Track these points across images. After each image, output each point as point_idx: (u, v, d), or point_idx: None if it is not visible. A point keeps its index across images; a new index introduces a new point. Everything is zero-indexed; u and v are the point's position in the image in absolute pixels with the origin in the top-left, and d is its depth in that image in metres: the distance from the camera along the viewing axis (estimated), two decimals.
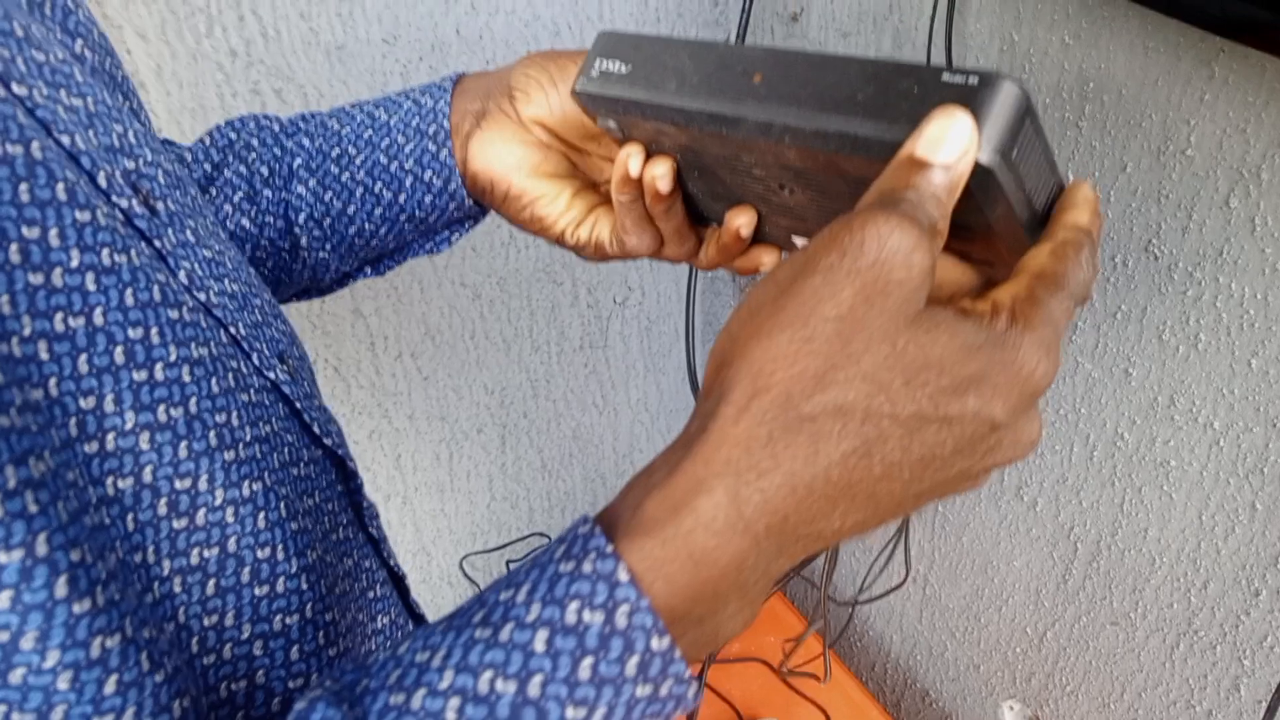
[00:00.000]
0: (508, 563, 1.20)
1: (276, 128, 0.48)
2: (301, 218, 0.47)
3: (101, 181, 0.29)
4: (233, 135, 0.48)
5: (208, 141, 0.48)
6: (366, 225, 0.47)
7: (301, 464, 0.35)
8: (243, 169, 0.47)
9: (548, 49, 0.45)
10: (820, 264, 0.26)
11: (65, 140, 0.28)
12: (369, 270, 0.52)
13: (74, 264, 0.26)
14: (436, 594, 1.18)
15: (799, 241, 0.40)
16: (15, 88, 0.27)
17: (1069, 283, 0.28)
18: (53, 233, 0.26)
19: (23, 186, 0.25)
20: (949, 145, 0.27)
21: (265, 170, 0.47)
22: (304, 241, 0.48)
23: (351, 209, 0.47)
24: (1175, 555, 0.69)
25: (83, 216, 0.27)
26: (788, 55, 0.32)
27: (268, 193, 0.47)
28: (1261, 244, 0.56)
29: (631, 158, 0.40)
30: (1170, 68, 0.56)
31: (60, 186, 0.26)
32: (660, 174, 0.39)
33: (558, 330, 1.05)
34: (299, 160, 0.47)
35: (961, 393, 0.26)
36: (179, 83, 0.72)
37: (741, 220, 0.40)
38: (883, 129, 0.29)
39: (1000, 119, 0.27)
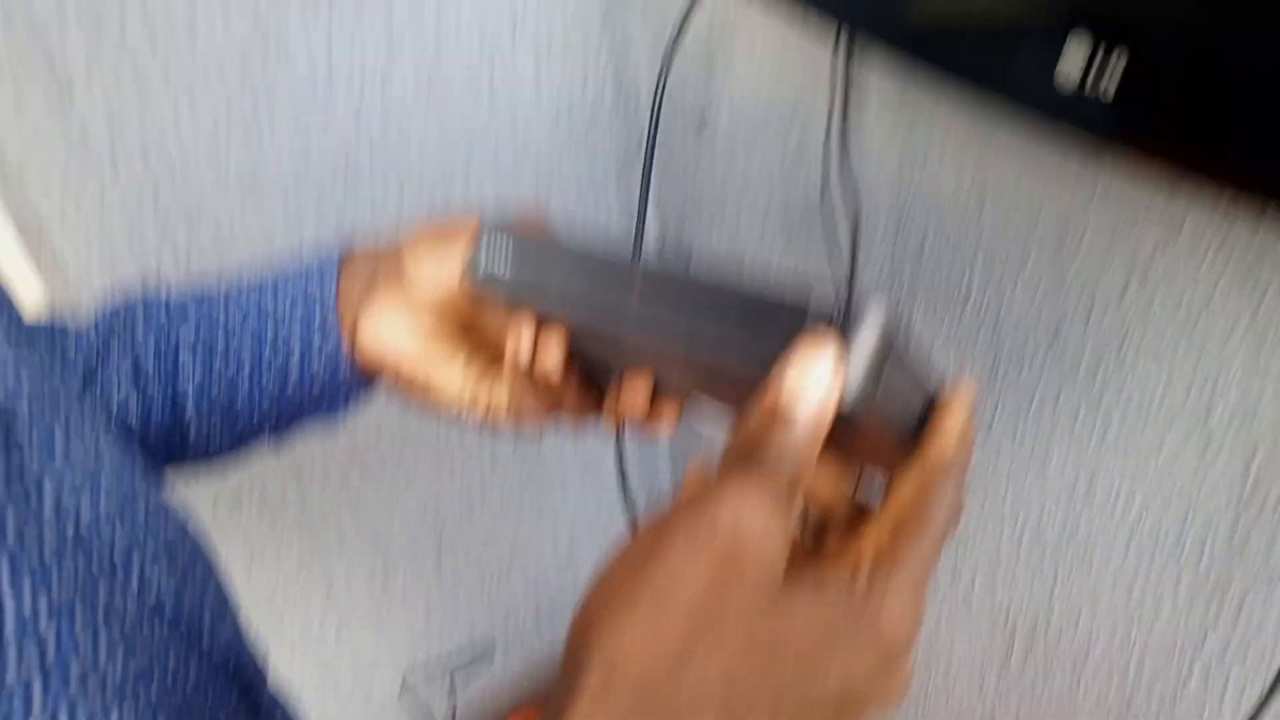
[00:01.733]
0: (452, 672, 1.17)
1: (163, 314, 0.47)
2: (189, 402, 0.46)
3: None
4: (117, 320, 0.47)
5: (92, 328, 0.47)
6: (255, 411, 0.47)
7: (187, 686, 0.33)
8: (129, 354, 0.46)
9: (437, 218, 0.46)
10: (678, 539, 0.26)
11: None
12: (264, 441, 0.50)
13: None
14: (380, 717, 1.14)
15: (699, 396, 0.40)
16: None
17: (932, 525, 0.29)
18: None
19: None
20: (809, 397, 0.27)
21: (152, 348, 0.46)
22: (190, 413, 0.47)
23: (239, 397, 0.46)
24: (1109, 636, 0.70)
25: None
26: (665, 275, 0.33)
27: (152, 377, 0.46)
28: (1161, 333, 0.58)
29: (523, 338, 0.40)
30: (1061, 168, 0.59)
31: None
32: (551, 356, 0.40)
33: (489, 439, 1.04)
34: (184, 349, 0.46)
35: (822, 673, 0.26)
36: (86, 228, 0.71)
37: (637, 391, 0.40)
38: (752, 354, 0.30)
39: (863, 358, 0.28)
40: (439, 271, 0.43)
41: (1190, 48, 0.39)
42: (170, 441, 0.47)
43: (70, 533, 0.30)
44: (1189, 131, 0.41)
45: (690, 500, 0.26)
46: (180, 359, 0.46)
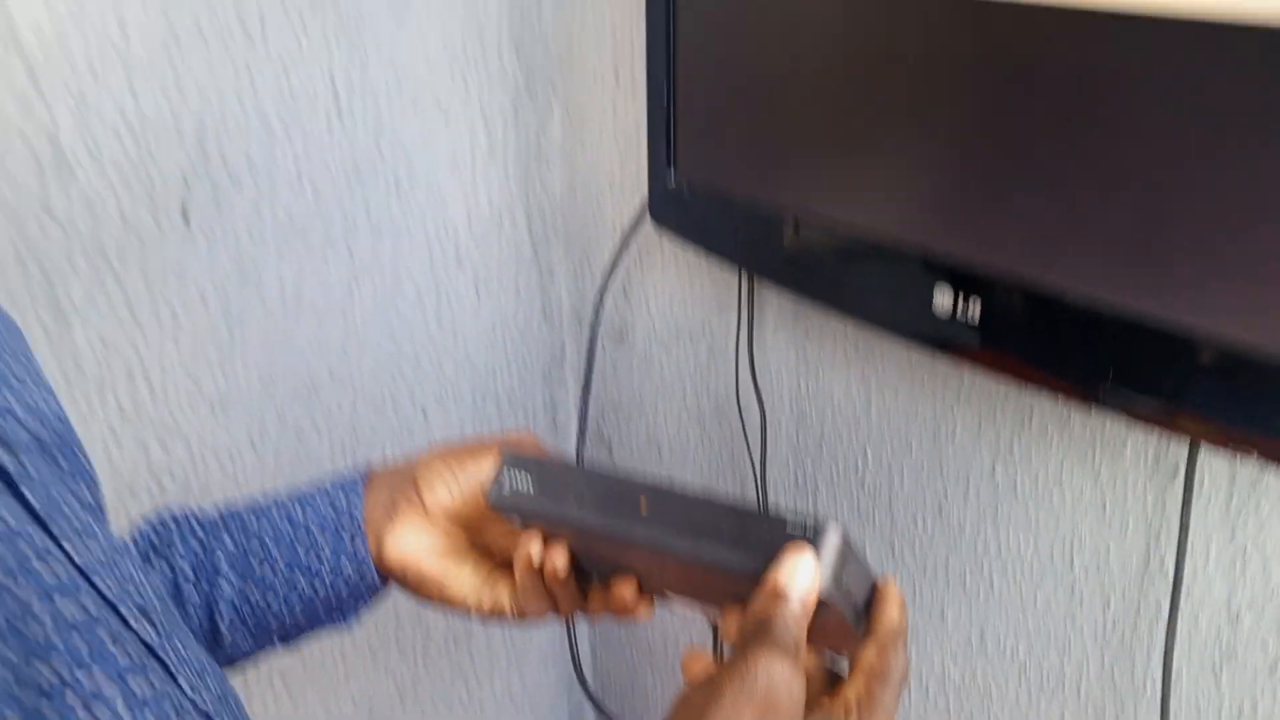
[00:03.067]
0: None
1: (199, 529, 0.54)
2: (225, 609, 0.52)
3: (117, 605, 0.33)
4: (155, 538, 0.53)
5: (132, 541, 0.53)
6: (285, 614, 0.53)
7: None
8: (167, 569, 0.52)
9: (447, 442, 0.55)
10: (725, 696, 0.36)
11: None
12: (278, 645, 0.56)
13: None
14: None
15: (673, 597, 0.51)
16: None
17: (893, 675, 0.42)
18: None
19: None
20: (800, 580, 0.39)
21: (189, 569, 0.52)
22: (224, 630, 0.52)
23: (274, 602, 0.53)
24: None
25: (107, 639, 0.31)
26: (669, 491, 0.44)
27: (191, 590, 0.52)
28: (1024, 504, 0.71)
29: (533, 551, 0.49)
30: (932, 371, 0.73)
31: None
32: (560, 565, 0.49)
33: (422, 631, 1.08)
34: (223, 559, 0.52)
35: None
36: None
37: (627, 591, 0.50)
38: (743, 559, 0.42)
39: (829, 557, 0.41)
40: (450, 492, 0.52)
41: (1024, 297, 0.53)
42: None
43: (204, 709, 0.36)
44: (1031, 350, 0.55)
45: (733, 666, 0.37)
46: (219, 577, 0.52)
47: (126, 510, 0.82)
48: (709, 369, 0.93)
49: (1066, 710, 0.73)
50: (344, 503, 0.53)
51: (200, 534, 0.53)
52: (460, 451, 0.53)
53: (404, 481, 0.53)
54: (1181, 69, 0.44)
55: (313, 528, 0.53)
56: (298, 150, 0.81)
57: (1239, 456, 0.54)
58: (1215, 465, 0.59)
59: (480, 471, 0.52)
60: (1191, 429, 0.50)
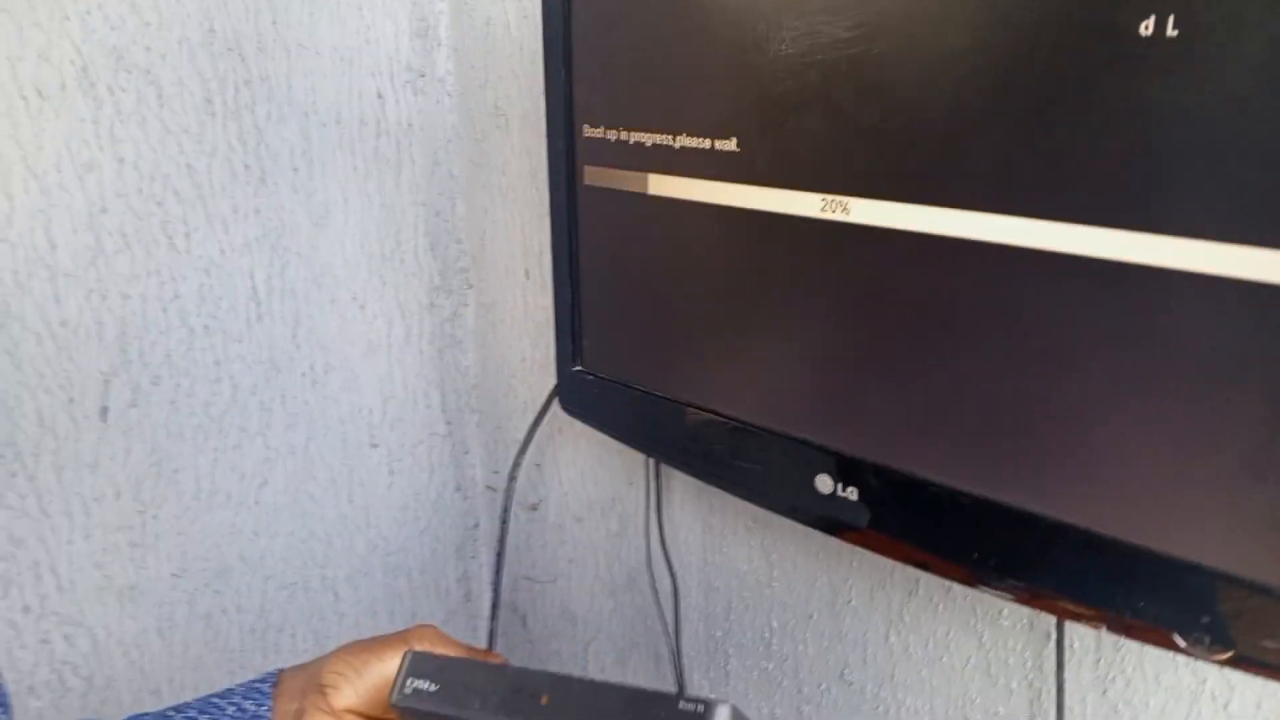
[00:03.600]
0: None
1: None
2: None
3: None
4: None
5: None
6: None
7: None
8: None
9: (352, 642, 0.57)
10: None
11: None
12: None
13: None
14: None
15: None
16: None
17: None
18: None
19: None
20: None
21: None
22: None
23: None
24: None
25: None
26: (568, 681, 0.47)
27: None
28: (918, 668, 0.75)
29: None
30: (827, 544, 0.78)
31: None
32: None
33: None
34: None
35: None
36: None
37: None
38: None
39: None
40: (356, 692, 0.53)
41: (892, 484, 0.59)
42: None
43: None
44: (904, 531, 0.60)
45: None
46: None
47: (26, 709, 0.80)
48: (620, 540, 0.97)
49: None
50: (252, 710, 0.54)
51: None
52: (364, 651, 0.55)
53: (310, 685, 0.54)
54: (1010, 285, 0.51)
55: None
56: (217, 348, 0.84)
57: (1091, 628, 0.60)
58: (1083, 630, 0.65)
59: (384, 670, 0.54)
60: (1047, 606, 0.55)
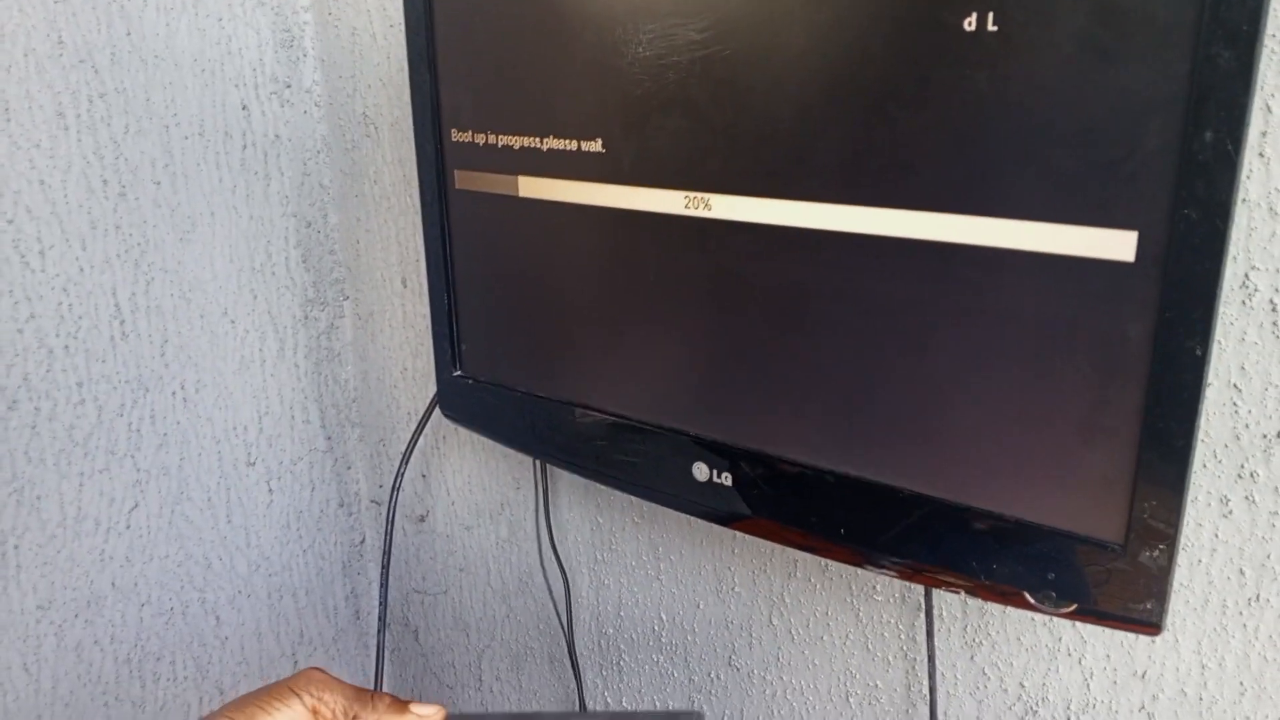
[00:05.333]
0: None
1: None
2: None
3: None
4: None
5: None
6: None
7: None
8: None
9: (241, 697, 0.56)
10: None
11: None
12: None
13: None
14: None
15: None
16: None
17: None
18: None
19: None
20: None
21: None
22: None
23: None
24: None
25: None
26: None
27: None
28: (801, 648, 0.77)
29: None
30: (710, 532, 0.80)
31: None
32: None
33: None
34: None
35: None
36: None
37: None
38: None
39: None
40: None
41: (762, 467, 0.62)
42: None
43: None
44: (776, 512, 0.63)
45: None
46: None
47: None
48: (510, 545, 0.97)
49: None
50: None
51: None
52: (250, 707, 0.54)
53: None
54: (858, 271, 0.54)
55: None
56: (79, 368, 0.81)
57: (951, 592, 0.63)
58: (950, 599, 0.68)
59: (279, 717, 0.53)
60: (912, 575, 0.58)
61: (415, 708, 0.56)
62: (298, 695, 0.53)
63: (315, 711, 0.53)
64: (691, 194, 0.60)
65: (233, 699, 0.55)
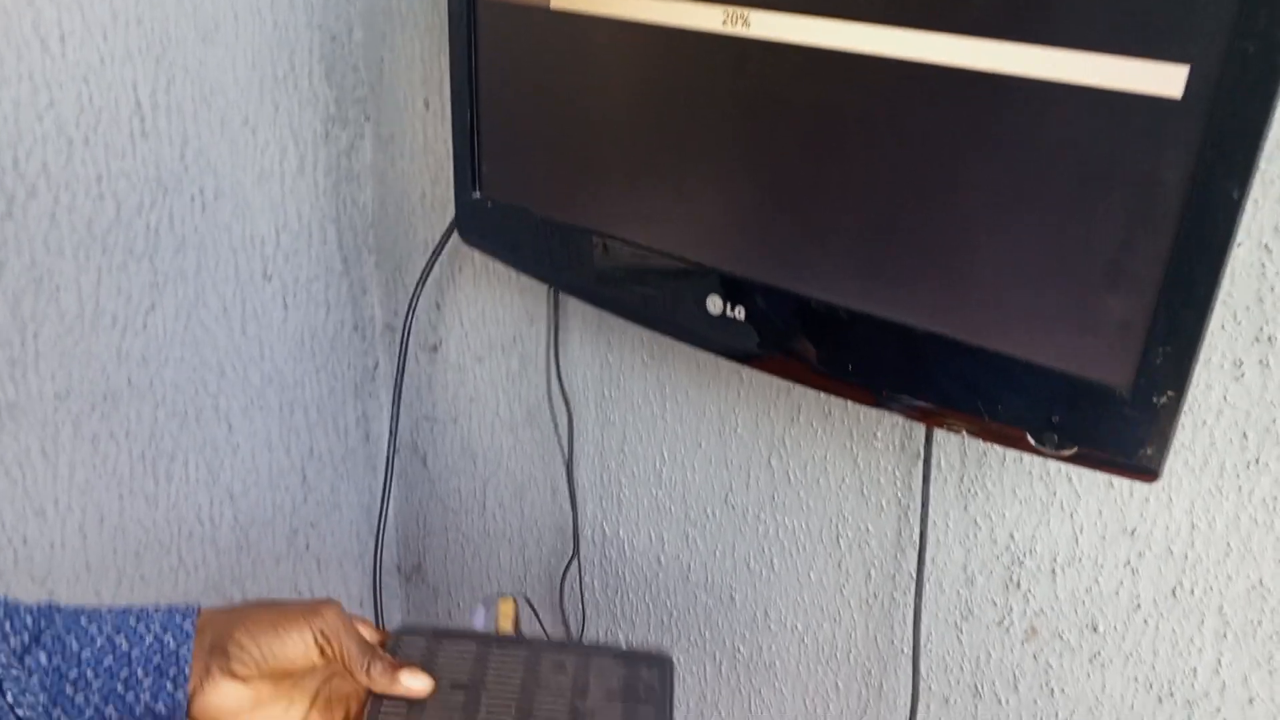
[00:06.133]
0: None
1: (14, 635, 0.52)
2: (33, 709, 0.51)
3: None
4: None
5: None
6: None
7: None
8: None
9: (258, 606, 0.57)
10: None
11: None
12: None
13: None
14: None
15: None
16: None
17: None
18: None
19: None
20: None
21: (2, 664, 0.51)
22: None
23: (86, 707, 0.53)
24: None
25: None
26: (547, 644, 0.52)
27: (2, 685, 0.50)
28: (796, 490, 0.79)
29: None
30: (716, 373, 0.80)
31: None
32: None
33: None
34: (35, 680, 0.52)
35: None
36: None
37: None
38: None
39: None
40: (259, 665, 0.54)
41: (775, 301, 0.61)
42: None
43: None
44: (790, 351, 0.63)
45: None
46: (24, 694, 0.51)
47: None
48: (520, 379, 0.98)
49: (839, 677, 0.82)
50: (172, 646, 0.54)
51: (13, 642, 0.52)
52: (269, 629, 0.54)
53: (217, 648, 0.54)
54: (893, 98, 0.53)
55: (136, 666, 0.53)
56: (99, 162, 0.81)
57: (953, 433, 0.64)
58: (949, 448, 0.69)
59: (285, 651, 0.54)
60: (913, 413, 0.59)
61: (405, 678, 0.57)
62: (311, 628, 0.55)
63: (321, 650, 0.55)
64: (730, 9, 0.58)
65: (254, 599, 0.56)
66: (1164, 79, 0.44)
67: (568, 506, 0.97)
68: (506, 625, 0.71)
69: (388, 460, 1.03)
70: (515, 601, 0.72)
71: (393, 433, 1.04)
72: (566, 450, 0.95)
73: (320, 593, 1.14)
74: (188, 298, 0.90)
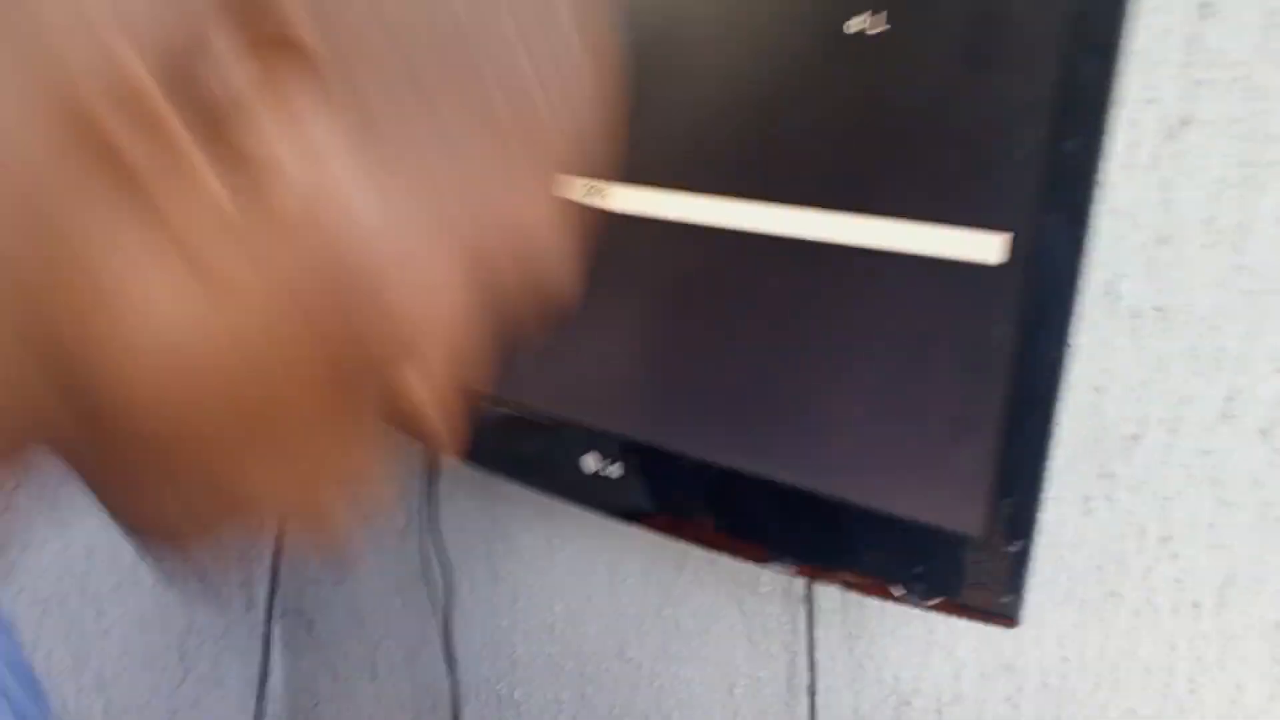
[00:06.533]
0: None
1: None
2: None
3: None
4: None
5: None
6: None
7: None
8: None
9: None
10: None
11: None
12: None
13: None
14: None
15: None
16: None
17: None
18: None
19: None
20: None
21: None
22: None
23: None
24: None
25: None
26: None
27: None
28: (689, 639, 0.78)
29: None
30: (604, 526, 0.80)
31: None
32: None
33: None
34: None
35: None
36: None
37: None
38: None
39: None
40: None
41: (649, 458, 0.62)
42: None
43: None
44: (664, 508, 0.63)
45: None
46: None
47: None
48: (406, 536, 0.96)
49: None
50: None
51: None
52: None
53: None
54: (742, 267, 0.55)
55: None
56: None
57: (829, 585, 0.64)
58: (831, 593, 0.70)
59: None
60: (789, 566, 0.60)
61: None
62: None
63: None
64: (589, 181, 0.60)
65: None
66: (985, 246, 0.47)
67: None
68: None
69: (265, 629, 0.99)
70: None
71: (271, 597, 1.00)
72: (442, 610, 0.92)
73: None
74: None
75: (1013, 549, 0.49)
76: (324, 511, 0.28)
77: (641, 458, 0.63)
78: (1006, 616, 0.50)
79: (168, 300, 0.21)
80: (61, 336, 0.21)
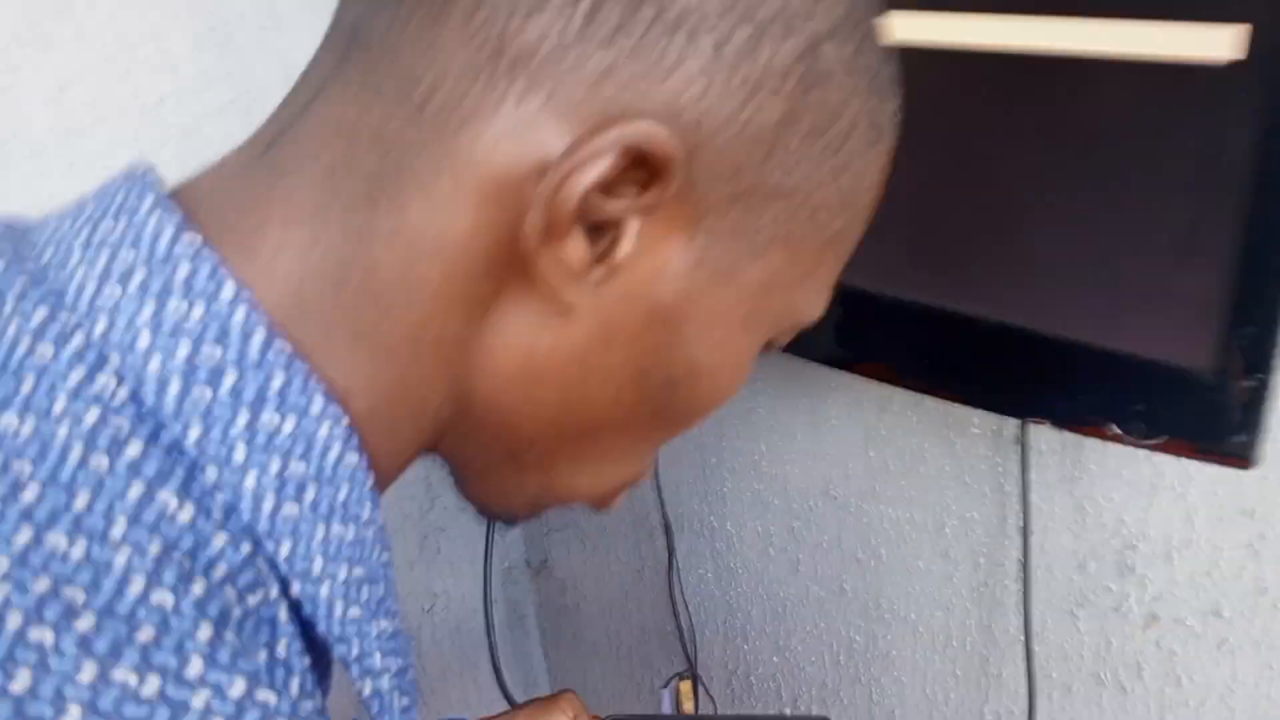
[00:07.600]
0: None
1: None
2: None
3: None
4: None
5: None
6: None
7: None
8: None
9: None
10: None
11: None
12: None
13: None
14: None
15: None
16: None
17: None
18: None
19: None
20: None
21: None
22: None
23: None
24: None
25: None
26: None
27: None
28: (896, 480, 0.77)
29: None
30: (801, 367, 0.79)
31: None
32: None
33: None
34: None
35: None
36: None
37: None
38: None
39: None
40: None
41: (860, 306, 0.60)
42: None
43: None
44: (875, 354, 0.61)
45: None
46: None
47: None
48: None
49: (957, 665, 0.80)
50: None
51: None
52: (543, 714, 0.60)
53: None
54: (962, 89, 0.50)
55: None
56: None
57: (1042, 425, 0.61)
58: (1047, 433, 0.66)
59: None
60: (1000, 406, 0.57)
61: None
62: (562, 711, 0.60)
63: None
64: None
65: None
66: (1219, 41, 0.41)
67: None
68: (688, 704, 0.78)
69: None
70: (692, 681, 0.80)
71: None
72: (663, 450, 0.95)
73: (452, 592, 1.19)
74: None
75: (1248, 384, 0.44)
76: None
77: (850, 302, 0.61)
78: (1241, 457, 0.46)
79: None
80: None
